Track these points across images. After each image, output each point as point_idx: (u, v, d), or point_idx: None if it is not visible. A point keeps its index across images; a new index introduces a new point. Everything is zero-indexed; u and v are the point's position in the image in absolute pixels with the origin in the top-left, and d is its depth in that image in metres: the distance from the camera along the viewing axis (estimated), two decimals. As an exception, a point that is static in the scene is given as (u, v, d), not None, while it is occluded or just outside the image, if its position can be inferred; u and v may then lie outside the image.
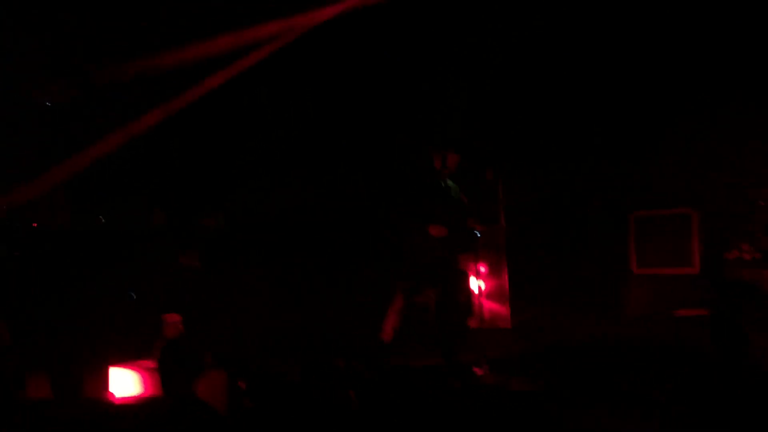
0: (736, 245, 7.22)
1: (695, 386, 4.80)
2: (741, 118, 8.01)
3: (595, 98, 8.58)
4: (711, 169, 8.16)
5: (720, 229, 7.70)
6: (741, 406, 3.63)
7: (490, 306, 7.88)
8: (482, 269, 7.84)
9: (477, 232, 6.73)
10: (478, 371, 5.51)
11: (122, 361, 5.66)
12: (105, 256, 8.59)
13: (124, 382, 5.43)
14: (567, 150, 8.77)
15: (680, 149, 8.12)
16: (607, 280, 8.01)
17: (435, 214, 5.81)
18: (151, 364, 5.47)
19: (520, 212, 7.64)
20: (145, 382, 5.36)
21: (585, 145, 8.75)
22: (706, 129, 8.13)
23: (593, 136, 8.66)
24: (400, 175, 6.43)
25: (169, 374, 4.16)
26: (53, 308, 7.24)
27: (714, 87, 7.96)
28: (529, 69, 8.39)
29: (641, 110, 7.60)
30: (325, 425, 4.06)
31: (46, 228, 7.99)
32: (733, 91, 7.98)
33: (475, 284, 7.89)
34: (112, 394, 5.48)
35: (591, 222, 8.54)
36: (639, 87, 7.31)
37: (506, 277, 7.89)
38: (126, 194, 9.33)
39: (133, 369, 5.50)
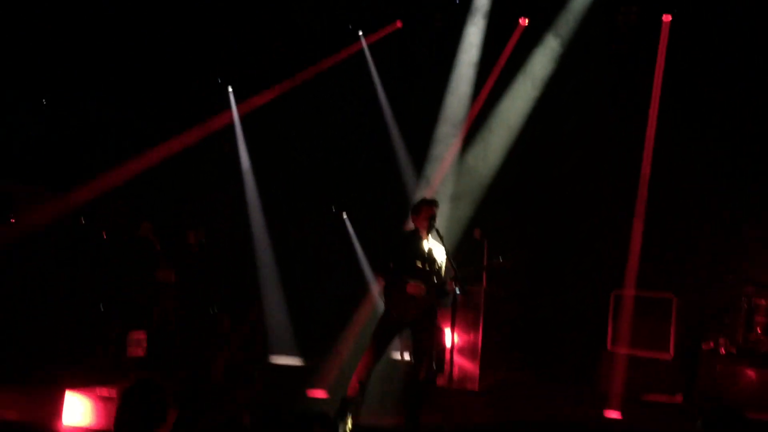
0: (713, 337, 7.18)
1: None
2: (737, 212, 8.02)
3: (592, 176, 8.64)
4: (696, 258, 8.16)
5: (699, 319, 7.67)
6: None
7: (460, 363, 7.73)
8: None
9: (458, 292, 6.63)
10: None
11: (79, 384, 5.42)
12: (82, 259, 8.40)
13: (77, 410, 5.19)
14: (556, 220, 8.78)
15: (668, 234, 8.12)
16: (584, 355, 7.92)
17: (415, 271, 5.74)
18: (106, 392, 5.23)
19: (503, 274, 7.57)
20: (98, 413, 5.13)
21: (573, 219, 8.77)
22: (700, 217, 8.15)
23: (583, 211, 8.69)
24: (389, 230, 6.38)
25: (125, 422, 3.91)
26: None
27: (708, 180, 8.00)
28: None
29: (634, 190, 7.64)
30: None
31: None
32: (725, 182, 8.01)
33: (449, 340, 7.75)
34: (63, 422, 5.21)
35: (572, 294, 8.50)
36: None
37: (480, 337, 7.78)
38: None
39: (88, 396, 5.27)
